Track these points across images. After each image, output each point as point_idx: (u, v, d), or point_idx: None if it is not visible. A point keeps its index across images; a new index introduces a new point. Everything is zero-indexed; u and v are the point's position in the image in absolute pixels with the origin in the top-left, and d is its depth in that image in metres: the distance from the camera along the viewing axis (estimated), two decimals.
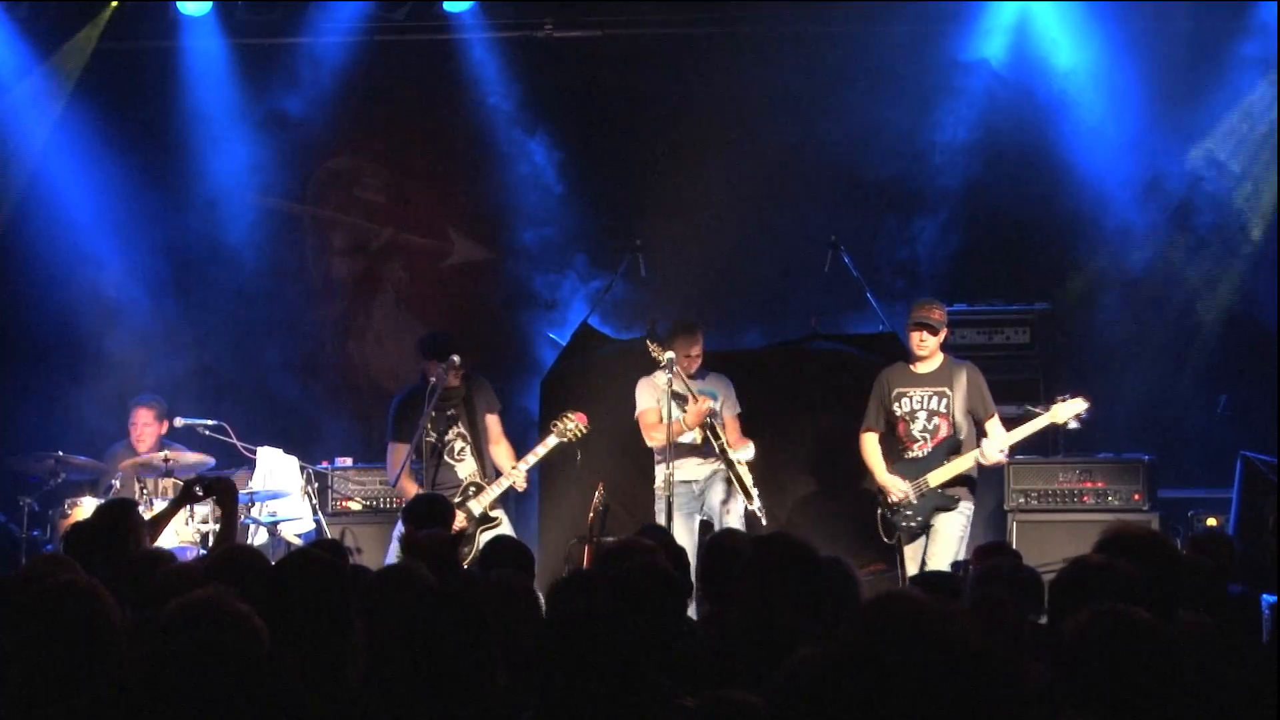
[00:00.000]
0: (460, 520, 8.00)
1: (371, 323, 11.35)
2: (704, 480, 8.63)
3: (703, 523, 8.66)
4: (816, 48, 10.40)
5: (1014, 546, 7.55)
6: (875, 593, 3.28)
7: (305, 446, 9.95)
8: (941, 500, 8.18)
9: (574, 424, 8.36)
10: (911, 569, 8.16)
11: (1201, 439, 9.93)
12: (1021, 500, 9.20)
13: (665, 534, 6.59)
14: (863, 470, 8.57)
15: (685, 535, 8.33)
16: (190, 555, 8.29)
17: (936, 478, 8.16)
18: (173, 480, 8.96)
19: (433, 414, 8.40)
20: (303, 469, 9.44)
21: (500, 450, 8.64)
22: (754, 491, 8.38)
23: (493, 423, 8.69)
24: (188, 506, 7.72)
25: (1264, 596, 6.06)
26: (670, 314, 9.36)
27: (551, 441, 8.38)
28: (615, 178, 10.85)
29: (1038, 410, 8.29)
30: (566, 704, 3.42)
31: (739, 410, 8.78)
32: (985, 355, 9.20)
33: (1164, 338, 10.30)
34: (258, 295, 11.05)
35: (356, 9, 10.60)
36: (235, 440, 9.42)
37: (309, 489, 9.37)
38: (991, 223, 10.48)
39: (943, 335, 8.33)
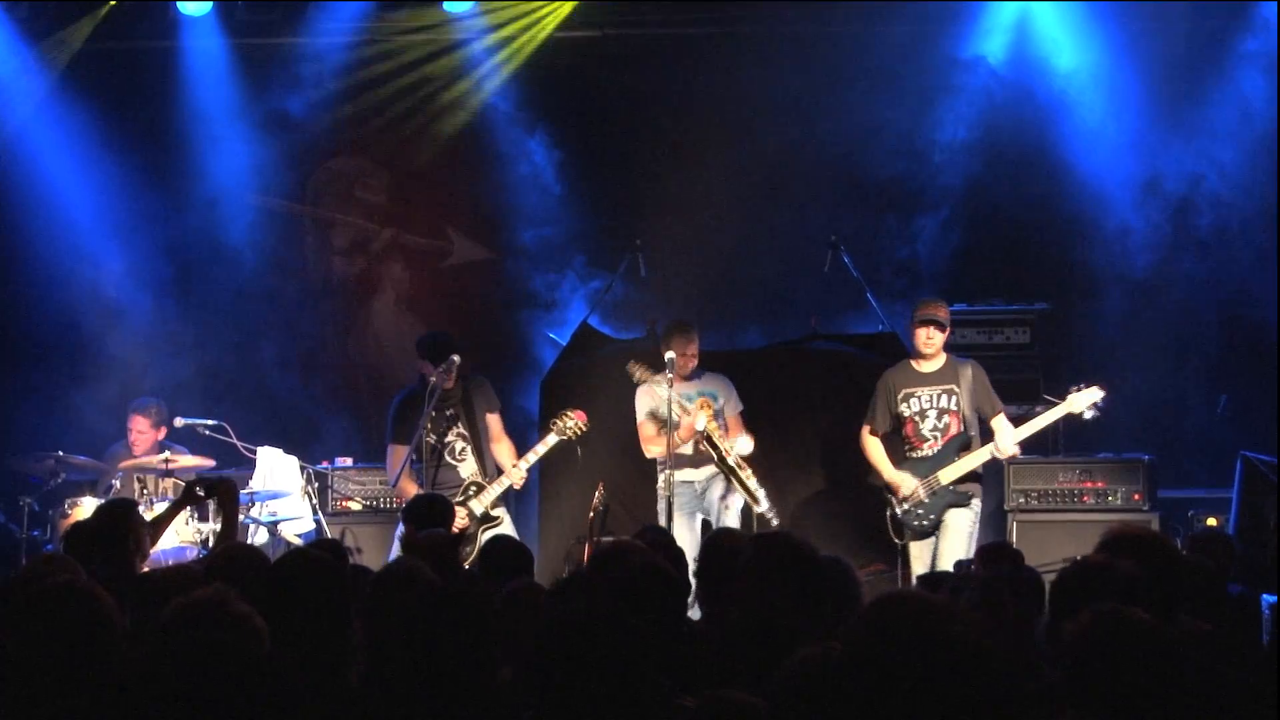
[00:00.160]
0: (462, 519, 8.00)
1: (371, 323, 11.36)
2: (705, 480, 8.62)
3: (705, 521, 8.65)
4: (816, 48, 10.40)
5: (1014, 546, 7.53)
6: (879, 593, 3.28)
7: (305, 446, 9.95)
8: (954, 497, 8.14)
9: (574, 422, 8.36)
10: (919, 567, 8.12)
11: (1201, 439, 9.93)
12: (1021, 500, 9.19)
13: (664, 535, 6.57)
14: (864, 469, 8.57)
15: (687, 535, 8.32)
16: (190, 555, 8.31)
17: (948, 475, 8.12)
18: (173, 480, 8.96)
19: (432, 415, 8.39)
20: (303, 469, 9.44)
21: (502, 448, 8.63)
22: (760, 494, 8.22)
23: (493, 421, 8.68)
24: (189, 507, 7.72)
25: (1264, 596, 6.06)
26: (670, 314, 9.37)
27: (551, 440, 8.38)
28: (615, 177, 10.85)
29: (1055, 400, 8.26)
30: (566, 704, 3.42)
31: (741, 408, 8.75)
32: (985, 355, 9.16)
33: (1164, 338, 10.30)
34: (258, 295, 11.06)
35: (356, 9, 10.61)
36: (235, 440, 9.42)
37: (309, 489, 9.36)
38: (991, 222, 10.49)
39: (948, 333, 8.34)
